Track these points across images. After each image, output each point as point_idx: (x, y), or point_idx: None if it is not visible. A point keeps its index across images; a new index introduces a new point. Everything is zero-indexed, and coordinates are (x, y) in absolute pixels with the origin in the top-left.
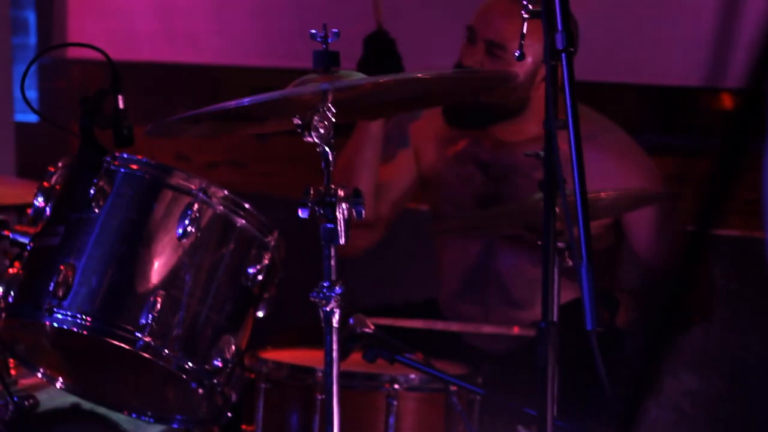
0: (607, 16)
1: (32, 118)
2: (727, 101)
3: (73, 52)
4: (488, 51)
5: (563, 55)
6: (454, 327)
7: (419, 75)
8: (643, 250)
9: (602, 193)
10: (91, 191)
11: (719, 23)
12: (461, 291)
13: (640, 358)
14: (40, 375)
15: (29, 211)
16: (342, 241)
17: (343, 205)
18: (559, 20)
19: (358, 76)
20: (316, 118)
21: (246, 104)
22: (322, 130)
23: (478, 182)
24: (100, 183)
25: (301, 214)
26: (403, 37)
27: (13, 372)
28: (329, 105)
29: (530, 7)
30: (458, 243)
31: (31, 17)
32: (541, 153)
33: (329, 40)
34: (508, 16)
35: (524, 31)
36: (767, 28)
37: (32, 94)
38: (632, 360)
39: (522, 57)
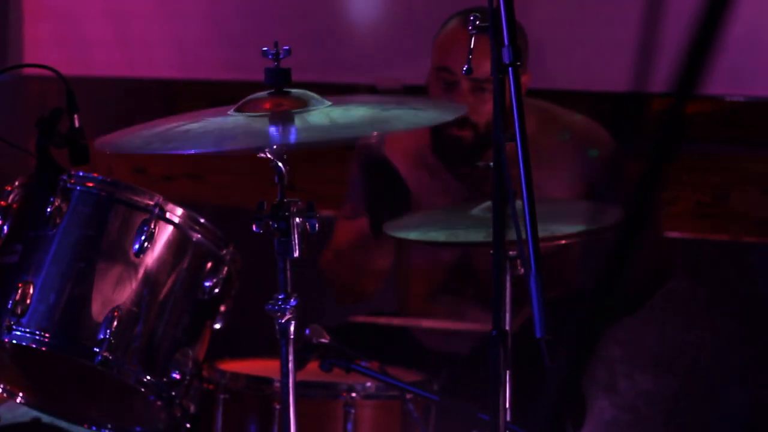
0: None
1: None
2: (654, 106)
3: (29, 69)
4: (475, 88)
5: (510, 69)
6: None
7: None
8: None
9: (563, 240)
10: (48, 209)
11: (644, 30)
12: (432, 293)
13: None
14: (0, 390)
15: None
16: (296, 254)
17: (297, 219)
18: (505, 35)
19: (309, 95)
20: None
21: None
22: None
23: (453, 191)
24: (57, 201)
25: (255, 228)
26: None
27: None
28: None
29: (477, 23)
30: (430, 248)
31: None
32: (491, 164)
33: (280, 57)
34: (485, 53)
35: (471, 46)
36: (694, 30)
37: None
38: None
39: (470, 71)
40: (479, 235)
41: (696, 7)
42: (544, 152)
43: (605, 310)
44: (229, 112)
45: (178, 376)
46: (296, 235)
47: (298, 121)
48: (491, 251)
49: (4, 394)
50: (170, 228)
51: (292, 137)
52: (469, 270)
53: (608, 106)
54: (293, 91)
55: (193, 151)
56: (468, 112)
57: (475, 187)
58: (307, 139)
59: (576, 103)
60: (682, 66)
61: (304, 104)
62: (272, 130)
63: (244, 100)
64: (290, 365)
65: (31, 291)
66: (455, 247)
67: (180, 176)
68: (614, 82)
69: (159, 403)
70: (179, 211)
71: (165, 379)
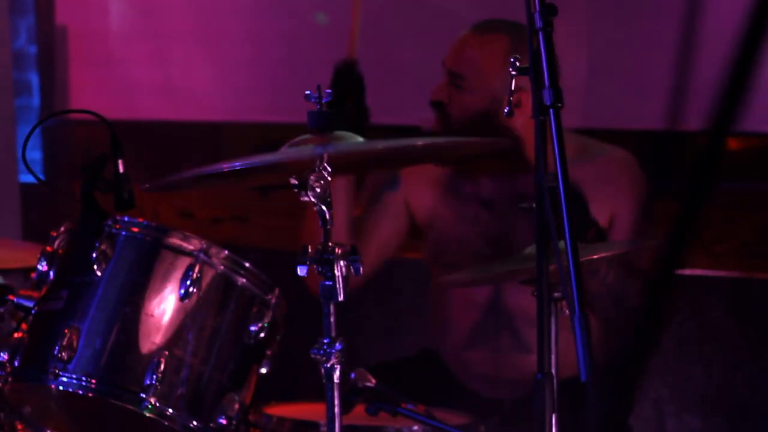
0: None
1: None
2: (691, 144)
3: (75, 114)
4: (451, 82)
5: (551, 110)
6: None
7: (416, 143)
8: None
9: (594, 255)
10: (93, 255)
11: (678, 68)
12: (469, 339)
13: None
14: None
15: (33, 275)
16: (341, 298)
17: (341, 263)
18: (546, 76)
19: (353, 137)
20: (312, 177)
21: (239, 167)
22: (318, 189)
23: (484, 221)
24: (102, 246)
25: (300, 272)
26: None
27: None
28: (325, 165)
29: (518, 63)
30: (465, 290)
31: (34, 79)
32: (534, 205)
33: (323, 101)
34: (467, 49)
35: (512, 87)
36: (729, 68)
37: (36, 155)
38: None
39: (511, 114)
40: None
41: (731, 45)
42: (580, 183)
43: (646, 348)
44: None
45: (224, 422)
46: (340, 279)
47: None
48: (526, 286)
49: None
50: (215, 273)
51: (331, 148)
52: (504, 314)
53: (647, 144)
54: (336, 132)
55: (239, 165)
56: (446, 104)
57: (506, 216)
58: (344, 149)
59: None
60: (719, 103)
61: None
62: (316, 148)
63: (290, 143)
64: (336, 409)
65: (77, 337)
66: (499, 281)
67: (226, 219)
68: (652, 120)
69: None
70: (224, 255)
71: (211, 425)
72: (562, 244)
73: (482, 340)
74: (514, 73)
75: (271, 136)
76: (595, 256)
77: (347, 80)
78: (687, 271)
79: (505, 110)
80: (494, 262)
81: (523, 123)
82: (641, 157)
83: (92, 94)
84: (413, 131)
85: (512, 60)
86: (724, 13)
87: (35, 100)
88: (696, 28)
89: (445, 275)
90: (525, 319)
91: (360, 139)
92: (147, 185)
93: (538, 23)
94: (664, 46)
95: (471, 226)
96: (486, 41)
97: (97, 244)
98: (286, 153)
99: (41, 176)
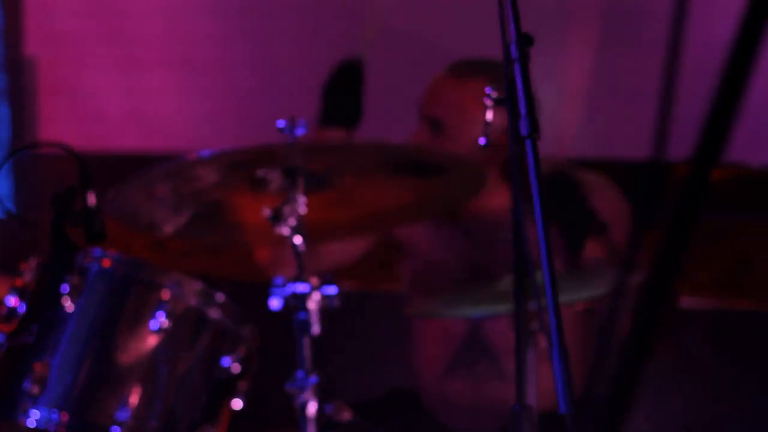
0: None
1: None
2: (674, 173)
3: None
4: (431, 128)
5: (527, 140)
6: None
7: None
8: None
9: (578, 304)
10: (65, 289)
11: (661, 99)
12: (448, 369)
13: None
14: None
15: (2, 310)
16: (316, 331)
17: (316, 296)
18: (522, 105)
19: None
20: (286, 209)
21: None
22: (293, 222)
23: (462, 248)
24: (73, 280)
25: (272, 304)
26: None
27: None
28: (299, 195)
29: (494, 95)
30: (441, 320)
31: (3, 111)
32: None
33: (295, 132)
34: (445, 94)
35: (488, 119)
36: (715, 98)
37: (3, 188)
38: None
39: (488, 145)
40: (505, 308)
41: (715, 75)
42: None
43: (630, 383)
44: None
45: None
46: (315, 313)
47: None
48: (502, 319)
49: None
50: (188, 306)
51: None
52: (483, 342)
53: (628, 174)
54: None
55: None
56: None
57: (482, 245)
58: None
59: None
60: (704, 133)
61: None
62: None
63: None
64: None
65: (48, 372)
66: (477, 318)
67: (198, 251)
68: (633, 149)
69: None
70: (197, 288)
71: None
72: (539, 275)
73: (461, 370)
74: (489, 104)
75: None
76: (577, 298)
77: (350, 77)
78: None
79: (481, 140)
80: (467, 299)
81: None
82: (626, 187)
83: (62, 125)
84: None
85: (488, 91)
86: (711, 42)
87: (4, 132)
88: (679, 57)
89: (422, 303)
90: (504, 347)
91: None
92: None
93: (514, 54)
94: (646, 76)
95: (448, 251)
96: (463, 85)
97: (68, 278)
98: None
99: (11, 208)
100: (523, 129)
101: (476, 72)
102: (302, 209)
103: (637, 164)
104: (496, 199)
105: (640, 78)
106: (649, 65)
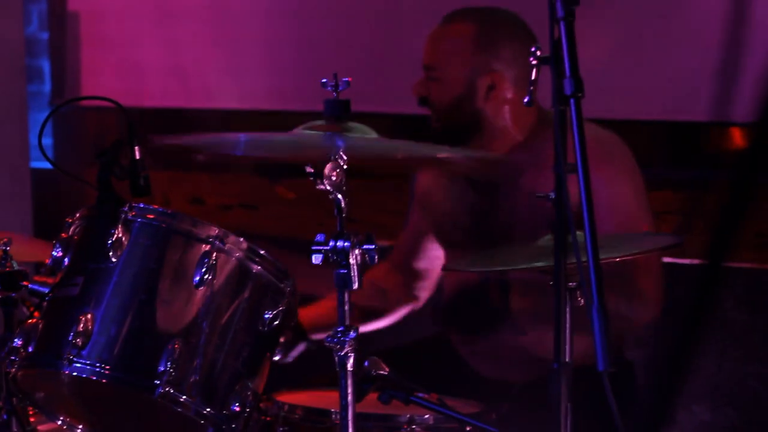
0: (614, 54)
1: (49, 164)
2: (735, 135)
3: (88, 100)
4: (427, 76)
5: (572, 100)
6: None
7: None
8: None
9: (617, 258)
10: (109, 242)
11: (724, 58)
12: (466, 323)
13: (655, 392)
14: (59, 423)
15: (48, 261)
16: (355, 286)
17: (356, 251)
18: (567, 66)
19: (365, 130)
20: (328, 166)
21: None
22: (334, 178)
23: (470, 199)
24: (118, 233)
25: (315, 260)
26: None
27: (32, 419)
28: (341, 153)
29: (538, 53)
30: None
31: (45, 65)
32: (552, 195)
33: (340, 89)
34: (433, 40)
35: (533, 77)
36: None
37: (47, 141)
38: (644, 396)
39: (531, 103)
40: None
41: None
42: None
43: (693, 341)
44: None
45: (238, 408)
46: (355, 268)
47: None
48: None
49: (65, 427)
50: (231, 260)
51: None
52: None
53: (673, 134)
54: (350, 123)
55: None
56: (428, 98)
57: (489, 195)
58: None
59: (639, 132)
60: (763, 97)
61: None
62: (335, 139)
63: (306, 125)
64: (349, 397)
65: (92, 323)
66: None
67: (236, 206)
68: (684, 111)
69: None
70: (240, 242)
71: (225, 412)
72: (581, 235)
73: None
74: (534, 62)
75: (283, 123)
76: (617, 258)
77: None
78: (699, 262)
79: (525, 100)
80: (497, 256)
81: (494, 106)
82: (653, 146)
83: (103, 80)
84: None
85: (533, 49)
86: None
87: (47, 86)
88: (742, 21)
89: (448, 253)
90: (525, 315)
91: (374, 134)
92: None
93: (560, 12)
94: (704, 37)
95: (459, 203)
96: (452, 31)
97: (112, 231)
98: (300, 134)
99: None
100: (568, 89)
101: (464, 16)
102: (343, 166)
103: (664, 124)
104: (507, 150)
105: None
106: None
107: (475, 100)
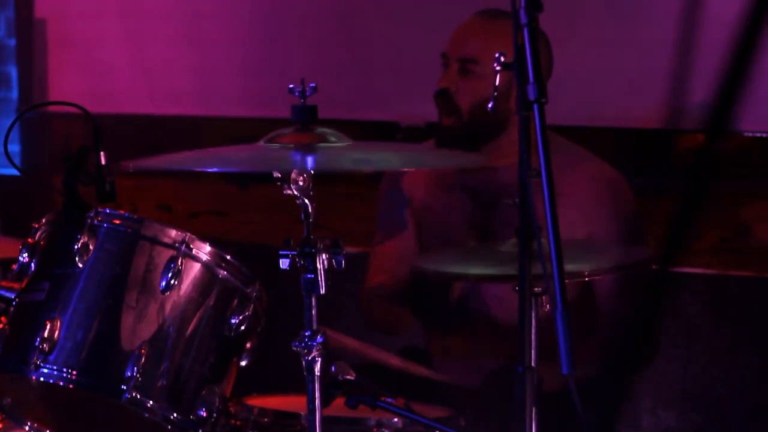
0: (584, 61)
1: (16, 170)
2: (689, 142)
3: (55, 106)
4: (461, 69)
5: (535, 106)
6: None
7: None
8: (607, 302)
9: (585, 271)
10: (75, 247)
11: (676, 64)
12: (447, 327)
13: (606, 398)
14: (27, 428)
15: (14, 266)
16: (322, 291)
17: (324, 256)
18: (530, 72)
19: (333, 135)
20: (295, 171)
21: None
22: (301, 183)
23: (467, 210)
24: (84, 238)
25: (282, 264)
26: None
27: (0, 425)
28: (307, 167)
29: (502, 59)
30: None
31: (13, 72)
32: (516, 201)
33: (307, 95)
34: (478, 33)
35: (497, 83)
36: (726, 69)
37: (14, 148)
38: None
39: (495, 109)
40: (506, 270)
41: (728, 43)
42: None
43: (641, 352)
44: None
45: (204, 414)
46: (322, 272)
47: (321, 152)
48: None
49: None
50: (197, 265)
51: (312, 164)
52: (478, 305)
53: (632, 142)
54: (318, 129)
55: (215, 170)
56: (454, 93)
57: (487, 208)
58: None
59: (599, 139)
60: (715, 103)
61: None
62: (298, 157)
63: (272, 134)
64: (317, 402)
65: (58, 328)
66: (480, 281)
67: (205, 213)
68: (639, 119)
69: None
70: (206, 247)
71: (192, 417)
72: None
73: (459, 327)
74: (498, 68)
75: (249, 131)
76: (585, 272)
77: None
78: (654, 268)
79: (489, 105)
80: (471, 259)
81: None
82: (625, 155)
83: (70, 85)
84: (392, 128)
85: (497, 56)
86: (724, 7)
87: (14, 93)
88: (694, 26)
89: (426, 260)
90: (499, 308)
91: (347, 140)
92: (131, 166)
93: (523, 19)
94: (656, 44)
95: (453, 213)
96: (496, 25)
97: (78, 236)
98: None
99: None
100: (531, 94)
101: (507, 15)
102: (310, 171)
103: (641, 132)
104: (503, 163)
105: (644, 46)
106: (655, 34)
107: (510, 99)
